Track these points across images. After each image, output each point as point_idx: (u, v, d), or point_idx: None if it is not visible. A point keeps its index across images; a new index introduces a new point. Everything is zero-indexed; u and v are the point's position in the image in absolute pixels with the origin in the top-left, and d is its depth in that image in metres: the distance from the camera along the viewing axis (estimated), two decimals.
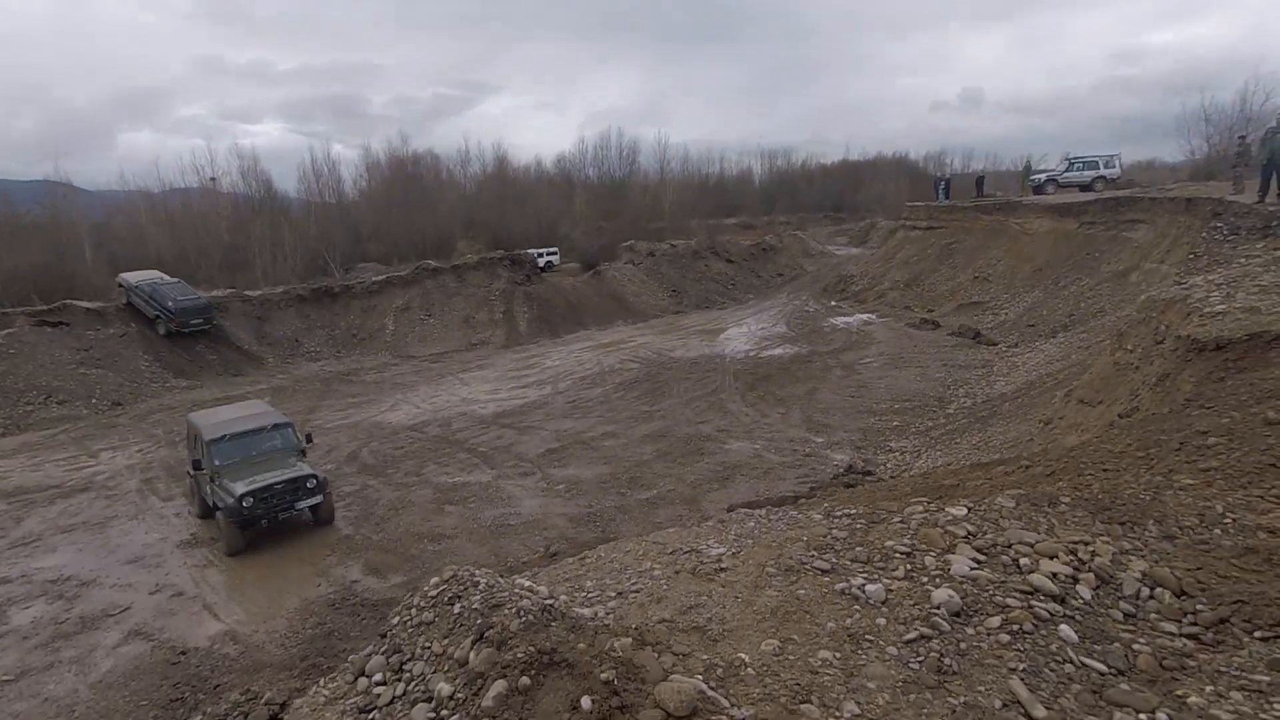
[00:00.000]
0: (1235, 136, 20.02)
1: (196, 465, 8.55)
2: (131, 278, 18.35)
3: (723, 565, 2.63)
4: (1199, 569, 2.33)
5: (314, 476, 8.50)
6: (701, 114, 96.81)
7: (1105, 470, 3.87)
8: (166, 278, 18.99)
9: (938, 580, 2.35)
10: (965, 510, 2.88)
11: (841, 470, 9.50)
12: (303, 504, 8.48)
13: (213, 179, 30.16)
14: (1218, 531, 2.60)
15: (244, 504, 7.89)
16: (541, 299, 23.16)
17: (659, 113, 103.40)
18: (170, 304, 17.46)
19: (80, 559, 8.20)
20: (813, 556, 2.55)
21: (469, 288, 22.52)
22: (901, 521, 2.83)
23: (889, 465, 10.31)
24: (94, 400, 14.89)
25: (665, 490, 9.14)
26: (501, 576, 2.86)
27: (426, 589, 2.58)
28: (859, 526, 2.86)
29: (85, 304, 17.37)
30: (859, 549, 2.58)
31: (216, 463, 8.36)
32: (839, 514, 3.07)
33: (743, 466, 9.94)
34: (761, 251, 30.88)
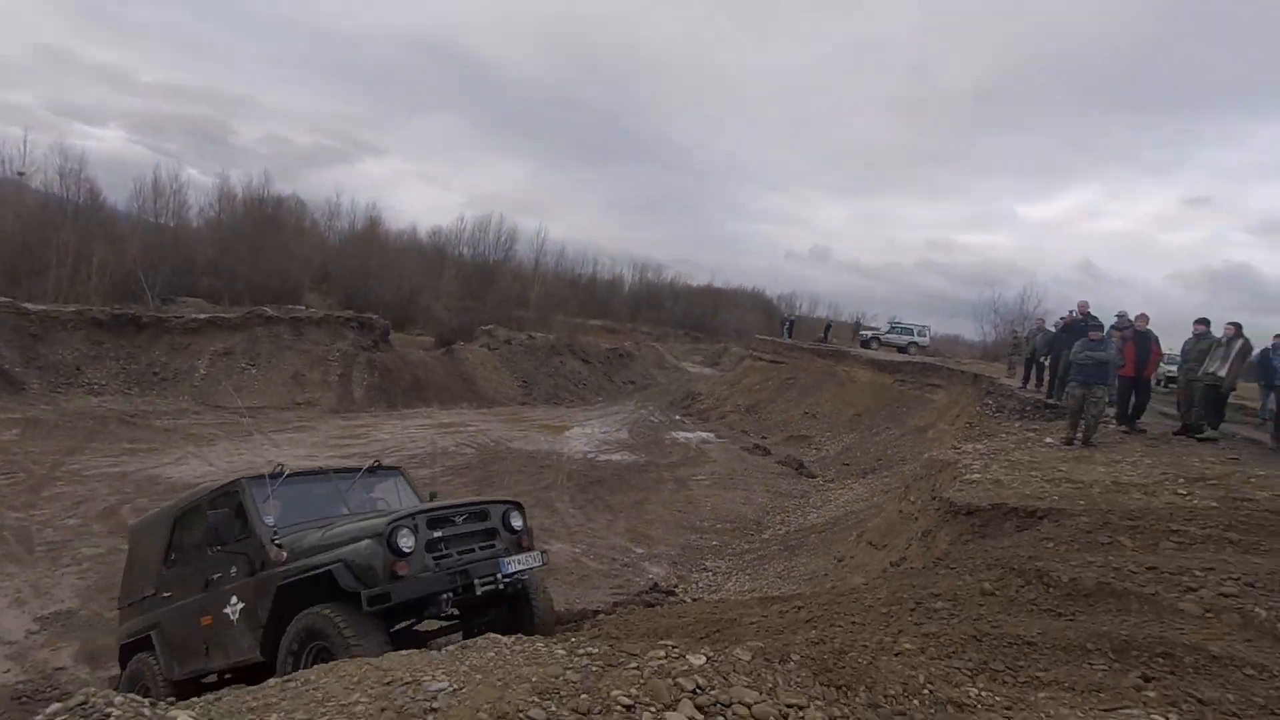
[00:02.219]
0: (1010, 330, 23.90)
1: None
2: None
3: (434, 706, 2.39)
4: None
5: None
6: (583, 218, 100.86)
7: (853, 623, 4.08)
8: None
9: None
10: (703, 660, 2.86)
11: (647, 587, 9.45)
12: None
13: (20, 173, 26.58)
14: (915, 702, 2.74)
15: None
16: (385, 367, 22.01)
17: (542, 208, 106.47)
18: None
19: None
20: (533, 703, 2.38)
21: (306, 343, 20.93)
22: (637, 668, 2.76)
23: (700, 584, 10.41)
24: None
25: None
26: (156, 702, 2.41)
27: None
28: (595, 669, 2.74)
29: None
30: (583, 697, 2.45)
31: None
32: (581, 651, 2.95)
33: (559, 570, 9.60)
34: (618, 356, 31.67)
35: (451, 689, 2.54)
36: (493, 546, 4.69)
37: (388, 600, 4.03)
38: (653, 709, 2.42)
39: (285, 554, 4.41)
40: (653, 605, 8.27)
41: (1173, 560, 4.16)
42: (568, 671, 2.68)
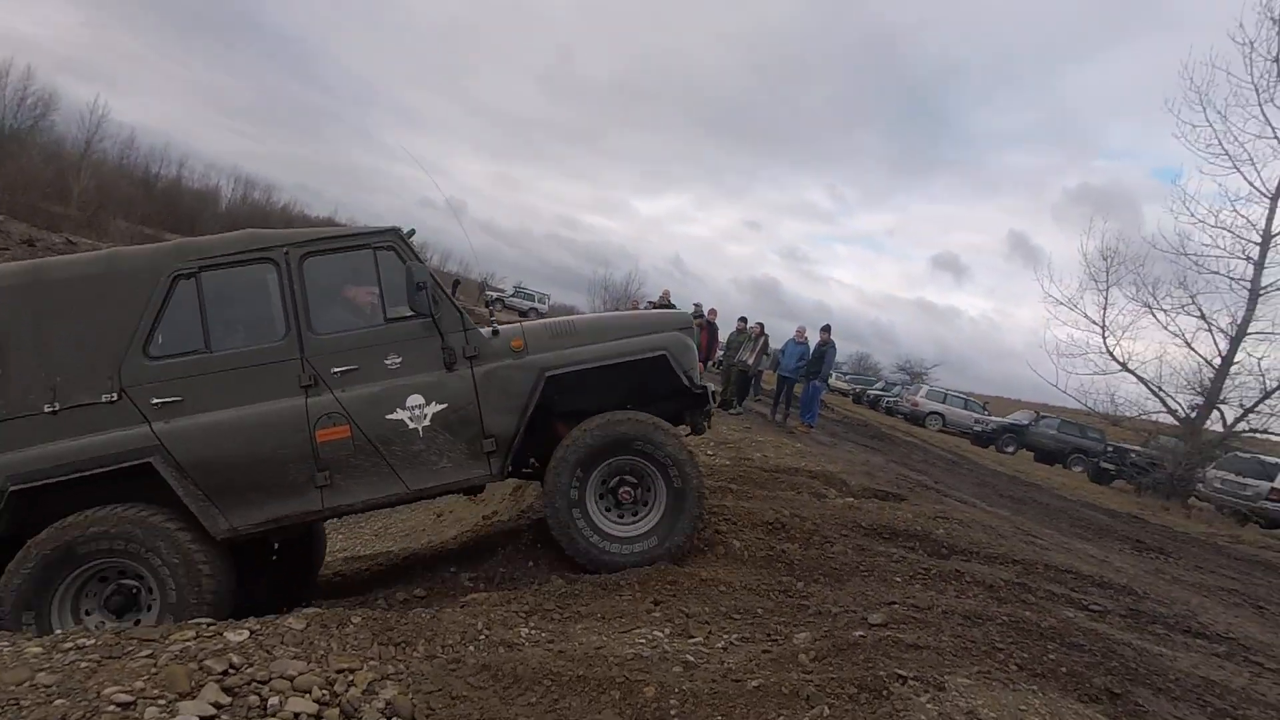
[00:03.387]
0: (629, 303, 27.32)
1: None
2: None
3: None
4: (438, 691, 2.52)
5: None
6: (167, 105, 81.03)
7: (427, 573, 4.16)
8: None
9: None
10: (245, 635, 2.57)
11: None
12: None
13: None
14: (471, 648, 2.92)
15: None
16: None
17: (101, 74, 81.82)
18: None
19: None
20: None
21: None
22: (151, 655, 2.33)
23: None
24: None
25: None
26: None
27: None
28: (86, 665, 2.22)
29: None
30: (58, 703, 1.95)
31: None
32: (68, 645, 2.36)
33: None
34: None
35: None
36: None
37: (711, 403, 4.20)
38: (161, 702, 2.06)
39: (524, 340, 3.85)
40: None
41: None
42: (39, 675, 2.10)
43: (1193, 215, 15.32)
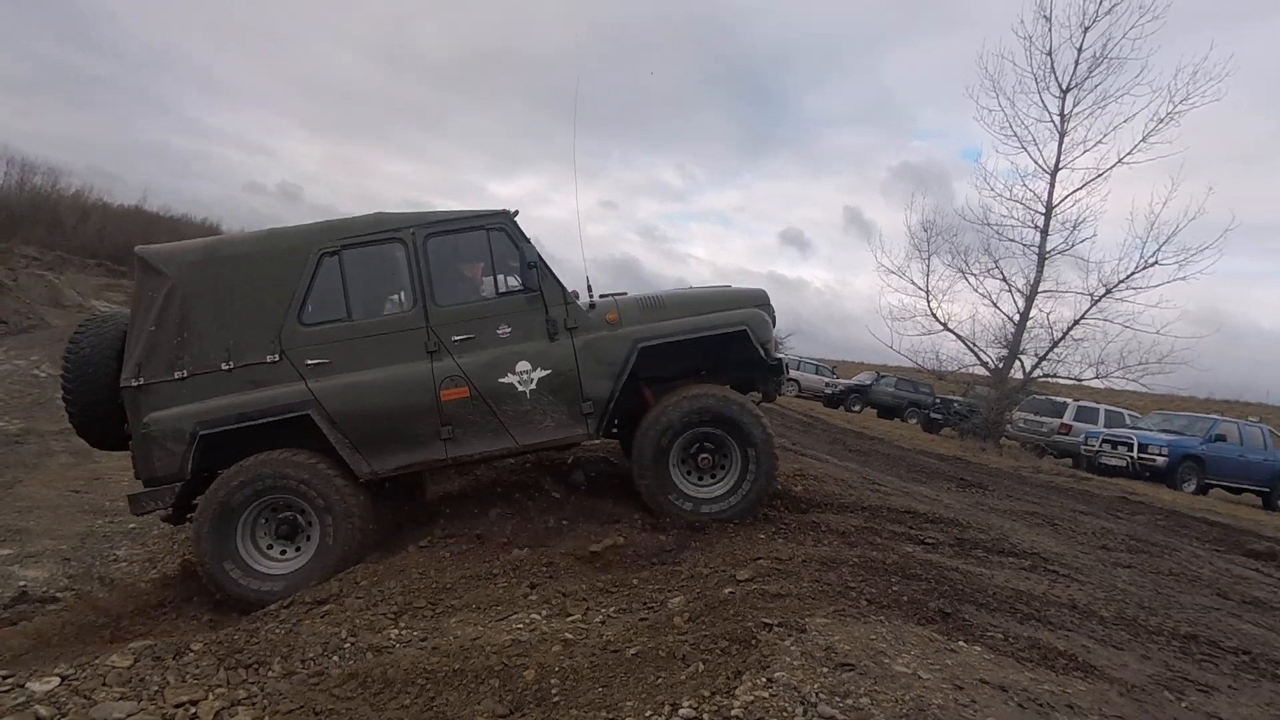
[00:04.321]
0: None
1: None
2: None
3: None
4: (298, 709, 2.34)
5: None
6: None
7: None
8: None
9: None
10: (55, 683, 2.24)
11: (7, 600, 7.01)
12: None
13: None
14: (335, 659, 2.74)
15: None
16: None
17: None
18: None
19: None
20: None
21: None
22: None
23: (113, 577, 8.25)
24: None
25: None
26: None
27: None
28: None
29: None
30: None
31: None
32: None
33: None
34: None
35: None
36: None
37: (783, 374, 4.70)
38: None
39: (619, 313, 4.28)
40: (15, 623, 6.17)
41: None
42: None
43: (992, 190, 17.35)
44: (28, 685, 2.22)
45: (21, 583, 7.87)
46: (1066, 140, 16.33)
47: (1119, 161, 15.69)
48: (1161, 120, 15.03)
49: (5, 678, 2.30)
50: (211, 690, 2.36)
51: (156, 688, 2.32)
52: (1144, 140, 15.27)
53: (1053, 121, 16.41)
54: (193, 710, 2.22)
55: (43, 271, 28.67)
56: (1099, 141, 15.87)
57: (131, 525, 10.11)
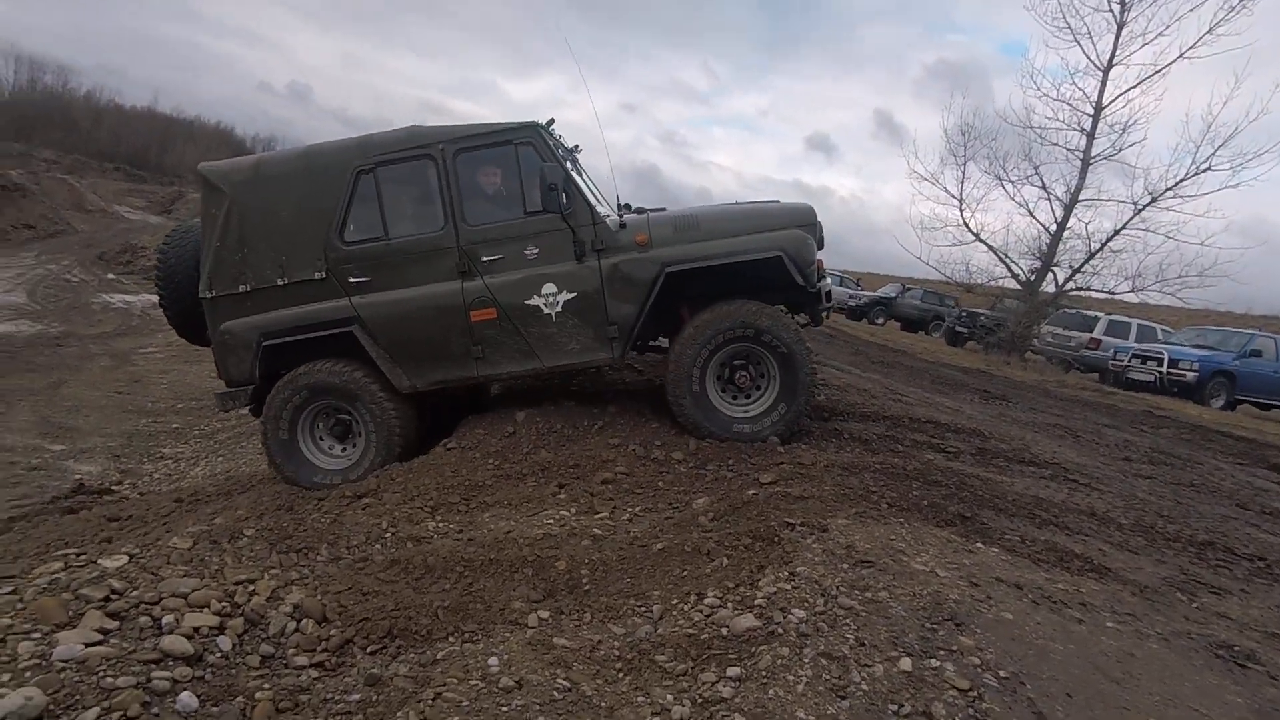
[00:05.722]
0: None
1: None
2: None
3: None
4: (348, 590, 2.50)
5: None
6: None
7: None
8: None
9: (23, 675, 1.79)
10: (124, 560, 2.40)
11: (68, 491, 7.47)
12: None
13: None
14: (378, 546, 2.91)
15: None
16: None
17: None
18: None
19: None
20: None
21: None
22: (14, 591, 2.14)
23: (156, 476, 8.68)
24: None
25: None
26: None
27: None
28: None
29: None
30: None
31: None
32: None
33: None
34: None
35: None
36: None
37: (827, 302, 4.40)
38: (37, 634, 1.92)
39: (649, 235, 4.13)
40: (75, 511, 6.60)
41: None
42: None
43: (1038, 89, 16.34)
44: (99, 561, 2.39)
45: (78, 475, 8.38)
46: (1125, 32, 15.13)
47: (1180, 56, 14.58)
48: (1233, 8, 13.83)
49: (79, 554, 2.48)
50: (266, 571, 2.53)
51: (216, 567, 2.49)
52: (1210, 31, 14.12)
53: (1111, 10, 15.18)
54: (251, 587, 2.39)
55: (63, 176, 28.68)
56: (1160, 33, 14.70)
57: (175, 424, 10.59)
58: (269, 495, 3.81)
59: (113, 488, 7.99)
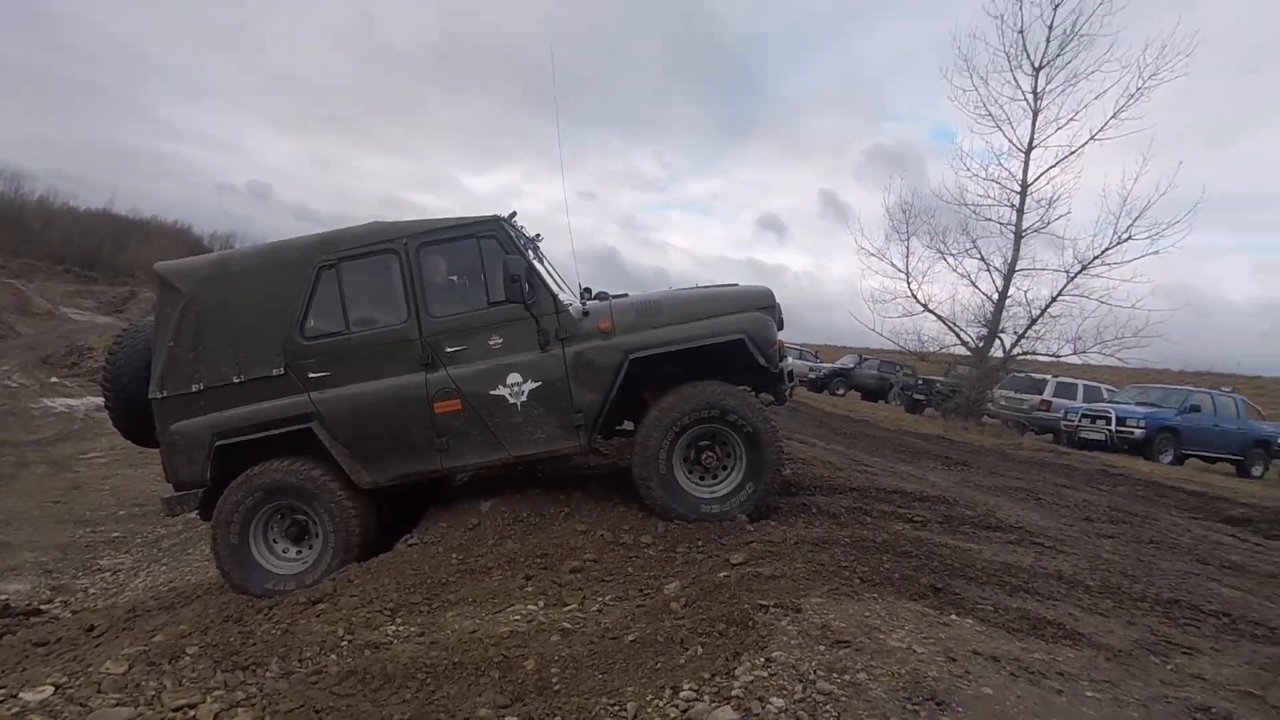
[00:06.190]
0: None
1: None
2: None
3: None
4: (299, 708, 2.33)
5: None
6: None
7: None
8: None
9: None
10: (50, 691, 2.21)
11: None
12: None
13: None
14: (333, 656, 2.74)
15: None
16: None
17: None
18: None
19: None
20: None
21: None
22: None
23: (92, 591, 8.07)
24: None
25: None
26: None
27: None
28: None
29: None
30: None
31: None
32: None
33: None
34: None
35: None
36: None
37: (789, 381, 4.40)
38: None
39: (612, 322, 4.15)
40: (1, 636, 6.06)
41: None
42: None
43: (968, 169, 17.53)
44: (20, 695, 2.19)
45: (3, 596, 7.76)
46: (1040, 118, 16.55)
47: (1091, 138, 15.95)
48: (1131, 95, 15.29)
49: None
50: (209, 693, 2.35)
51: (154, 692, 2.30)
52: (1115, 116, 15.54)
53: (1026, 100, 16.61)
54: (191, 713, 2.21)
55: (10, 280, 28.04)
56: (1071, 118, 16.11)
57: (115, 533, 9.97)
58: (215, 606, 3.58)
59: (41, 608, 7.39)
